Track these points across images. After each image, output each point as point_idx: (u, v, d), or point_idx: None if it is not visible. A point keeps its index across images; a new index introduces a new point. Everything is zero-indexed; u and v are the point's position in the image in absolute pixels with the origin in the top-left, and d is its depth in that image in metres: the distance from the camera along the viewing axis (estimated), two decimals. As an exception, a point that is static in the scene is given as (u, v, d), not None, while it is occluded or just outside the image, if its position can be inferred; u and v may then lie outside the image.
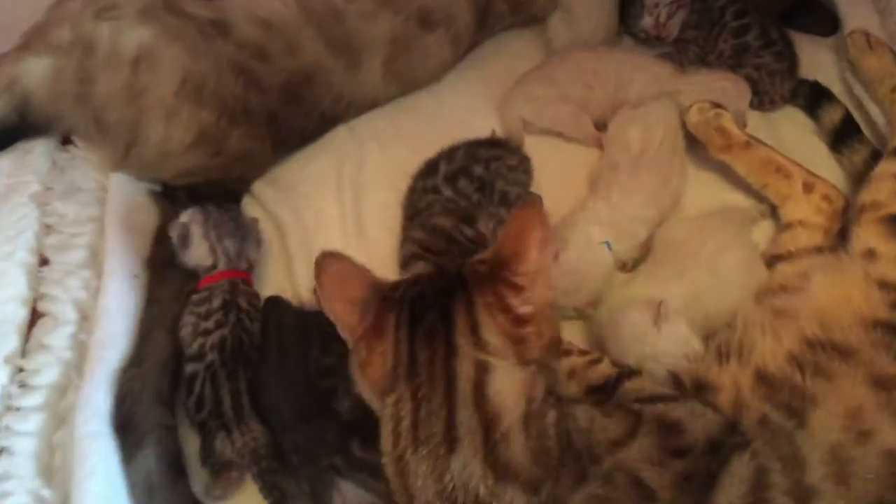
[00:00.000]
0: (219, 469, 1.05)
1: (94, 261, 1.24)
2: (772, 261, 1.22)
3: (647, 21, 1.51)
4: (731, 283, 1.16)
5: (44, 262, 1.25)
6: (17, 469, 1.04)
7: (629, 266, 1.25)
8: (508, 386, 0.78)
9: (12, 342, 1.15)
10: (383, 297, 0.84)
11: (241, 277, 1.19)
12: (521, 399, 0.78)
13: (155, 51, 1.24)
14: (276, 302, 1.20)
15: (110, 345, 1.12)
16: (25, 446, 1.06)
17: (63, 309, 1.18)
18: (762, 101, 1.46)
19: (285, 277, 1.29)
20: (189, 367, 1.10)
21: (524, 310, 0.81)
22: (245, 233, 1.22)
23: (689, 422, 0.88)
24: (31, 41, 1.28)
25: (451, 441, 0.76)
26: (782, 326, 1.02)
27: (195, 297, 1.16)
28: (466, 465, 0.75)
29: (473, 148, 1.32)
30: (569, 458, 0.79)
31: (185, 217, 1.20)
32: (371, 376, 0.82)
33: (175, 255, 1.20)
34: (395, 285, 0.87)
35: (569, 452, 0.79)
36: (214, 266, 1.18)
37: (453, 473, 0.75)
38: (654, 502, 0.80)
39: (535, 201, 1.30)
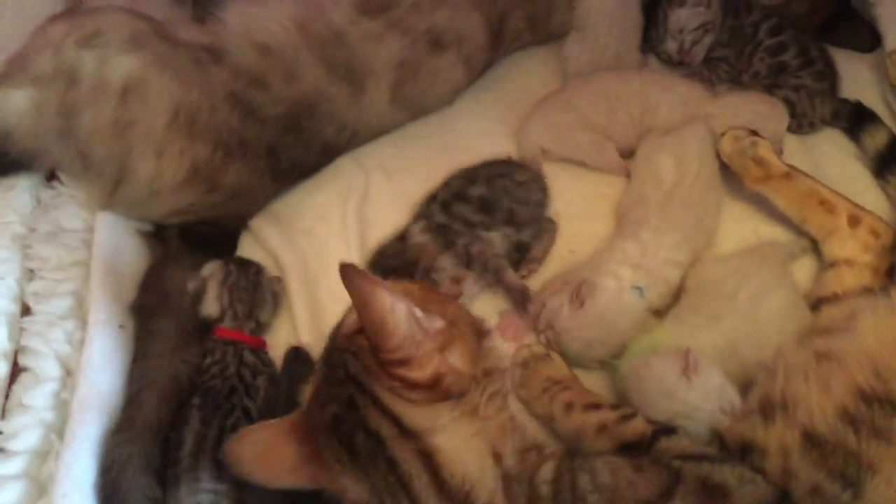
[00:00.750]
0: None
1: (80, 310, 1.17)
2: (816, 304, 1.13)
3: (671, 45, 1.43)
4: (772, 330, 1.06)
5: (26, 310, 1.18)
6: (-6, 547, 0.96)
7: (662, 313, 1.14)
8: (461, 453, 0.76)
9: (-9, 401, 1.07)
10: (308, 444, 0.81)
11: (247, 343, 1.15)
12: (485, 461, 0.76)
13: (144, 81, 1.17)
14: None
15: (94, 405, 1.04)
16: (2, 520, 0.98)
17: (45, 364, 1.10)
18: (801, 124, 1.37)
19: (286, 319, 1.22)
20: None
21: (426, 373, 0.77)
22: (261, 298, 1.19)
23: (737, 487, 0.81)
24: (11, 71, 1.19)
25: None
26: (831, 374, 0.93)
27: (209, 345, 1.14)
28: None
29: (472, 170, 1.27)
30: None
31: (206, 271, 1.18)
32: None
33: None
34: (305, 418, 0.83)
35: None
36: (220, 320, 1.15)
37: None
38: None
39: (550, 228, 1.24)
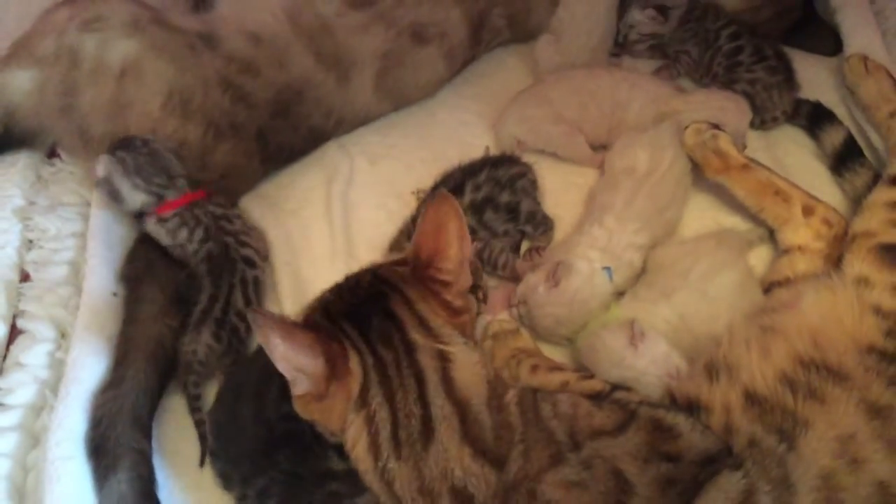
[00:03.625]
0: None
1: (75, 277, 1.23)
2: (770, 287, 1.19)
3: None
4: (722, 306, 1.12)
5: (25, 277, 1.24)
6: (-12, 490, 1.01)
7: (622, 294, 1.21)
8: (469, 369, 0.84)
9: (-12, 360, 1.13)
10: (320, 329, 0.85)
11: (198, 198, 1.22)
12: (482, 379, 0.84)
13: (141, 64, 1.23)
14: None
15: (87, 364, 1.10)
16: (-2, 467, 1.03)
17: (41, 327, 1.17)
18: (763, 119, 1.43)
19: (270, 293, 1.27)
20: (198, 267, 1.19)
21: (457, 302, 0.88)
22: (166, 159, 1.21)
23: (686, 430, 0.87)
24: (16, 52, 1.27)
25: (428, 433, 0.80)
26: (772, 343, 1.00)
27: (170, 224, 1.20)
28: (443, 452, 0.80)
29: (495, 170, 1.28)
30: (536, 437, 0.81)
31: (101, 170, 1.19)
32: (340, 403, 0.83)
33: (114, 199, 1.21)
34: (321, 307, 0.89)
35: (536, 430, 0.81)
36: (161, 198, 1.20)
37: (430, 464, 0.80)
38: (630, 497, 0.79)
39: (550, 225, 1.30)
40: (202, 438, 1.08)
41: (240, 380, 1.09)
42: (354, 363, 0.83)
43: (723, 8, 1.52)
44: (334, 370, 0.83)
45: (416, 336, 0.84)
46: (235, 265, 1.19)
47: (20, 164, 1.32)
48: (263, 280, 1.23)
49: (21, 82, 1.25)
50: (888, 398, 0.91)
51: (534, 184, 1.31)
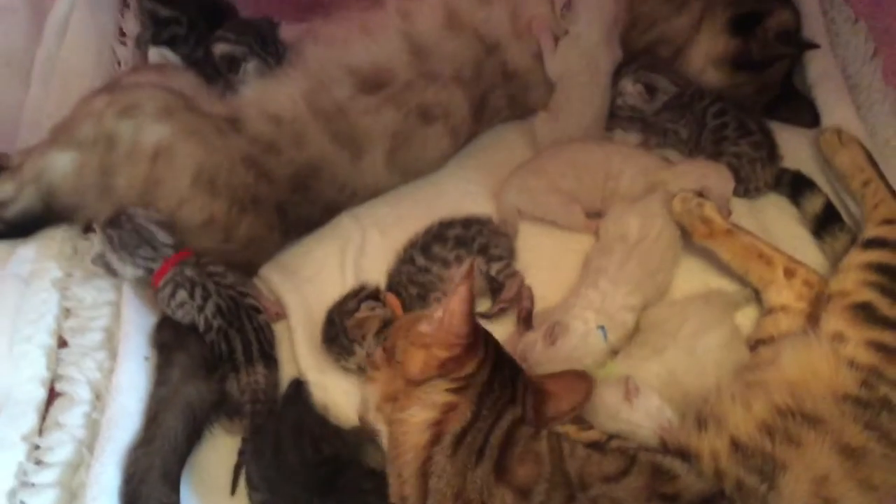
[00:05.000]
0: (231, 415, 1.25)
1: (109, 343, 1.32)
2: (755, 345, 1.28)
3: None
4: (710, 362, 1.21)
5: (62, 343, 1.33)
6: (30, 544, 1.09)
7: (617, 353, 1.29)
8: (525, 431, 0.98)
9: (30, 421, 1.22)
10: (481, 332, 1.03)
11: (182, 258, 1.32)
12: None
13: (173, 146, 1.34)
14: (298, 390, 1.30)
15: (121, 424, 1.20)
16: (38, 522, 1.11)
17: (78, 389, 1.26)
18: (747, 188, 1.53)
19: (288, 355, 1.36)
20: (207, 338, 1.29)
21: (541, 422, 1.02)
22: (147, 233, 1.31)
23: (683, 474, 0.97)
24: (58, 136, 1.37)
25: (479, 454, 0.93)
26: (753, 396, 1.09)
27: (164, 292, 1.30)
28: (484, 474, 0.92)
29: (450, 219, 1.43)
30: (559, 478, 0.92)
31: (96, 247, 1.33)
32: (438, 371, 0.98)
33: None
34: (484, 330, 1.06)
35: (559, 472, 0.93)
36: (150, 271, 1.31)
37: (475, 480, 0.92)
38: None
39: (518, 278, 1.38)
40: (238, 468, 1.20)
41: (275, 431, 1.17)
42: (476, 361, 0.99)
43: (707, 84, 1.63)
44: (465, 347, 0.98)
45: (516, 399, 0.99)
46: (248, 313, 1.30)
47: (59, 238, 1.41)
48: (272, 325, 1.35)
49: (62, 164, 1.35)
50: (862, 440, 0.99)
51: (493, 232, 1.41)
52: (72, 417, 1.22)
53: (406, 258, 1.39)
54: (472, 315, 1.00)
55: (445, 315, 0.99)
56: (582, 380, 1.06)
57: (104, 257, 1.31)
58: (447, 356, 0.98)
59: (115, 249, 1.29)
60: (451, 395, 0.96)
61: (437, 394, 0.97)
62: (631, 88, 1.57)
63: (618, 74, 1.60)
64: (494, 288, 1.39)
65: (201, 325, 1.29)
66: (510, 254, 1.42)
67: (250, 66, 1.44)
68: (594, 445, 1.08)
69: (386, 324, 1.27)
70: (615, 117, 1.63)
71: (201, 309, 1.29)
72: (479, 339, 1.01)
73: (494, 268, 1.37)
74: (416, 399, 0.97)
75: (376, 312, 1.28)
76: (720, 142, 1.54)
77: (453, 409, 0.96)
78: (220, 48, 1.46)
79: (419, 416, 0.96)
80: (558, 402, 1.03)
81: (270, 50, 1.45)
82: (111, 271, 1.32)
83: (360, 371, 1.27)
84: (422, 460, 0.94)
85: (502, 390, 0.99)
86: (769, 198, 1.56)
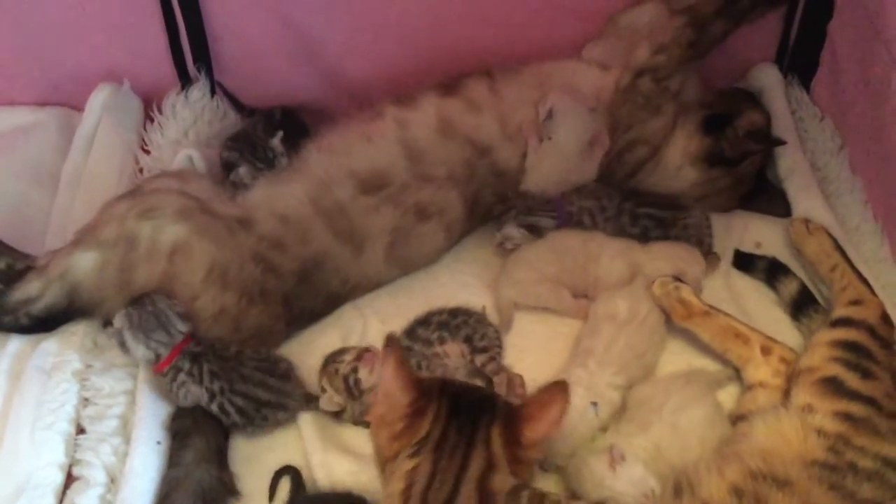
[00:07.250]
0: None
1: (125, 429, 1.39)
2: (736, 420, 1.34)
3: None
4: (693, 437, 1.27)
5: (80, 430, 1.40)
6: None
7: (606, 429, 1.36)
8: (501, 482, 1.04)
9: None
10: (429, 388, 1.10)
11: (184, 346, 1.39)
12: (507, 485, 1.04)
13: (189, 244, 1.44)
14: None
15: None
16: None
17: (94, 473, 1.32)
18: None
19: (295, 442, 1.42)
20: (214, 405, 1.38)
21: (521, 461, 1.08)
22: (165, 319, 1.38)
23: None
24: (82, 238, 1.47)
25: None
26: (726, 464, 1.15)
27: (167, 377, 1.39)
28: None
29: (436, 310, 1.52)
30: None
31: (116, 322, 1.39)
32: (400, 442, 1.07)
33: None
34: (438, 382, 1.14)
35: None
36: (159, 356, 1.38)
37: None
38: None
39: (503, 376, 1.43)
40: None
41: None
42: (428, 421, 1.07)
43: (685, 180, 1.74)
44: (411, 414, 1.06)
45: (480, 443, 1.05)
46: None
47: (80, 333, 1.50)
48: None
49: (85, 263, 1.43)
50: (827, 500, 1.04)
51: (479, 321, 1.50)
52: (87, 499, 1.28)
53: None
54: (410, 382, 1.09)
55: (384, 394, 1.09)
56: (556, 391, 1.10)
57: (121, 334, 1.38)
58: (402, 427, 1.07)
59: (132, 328, 1.37)
60: (413, 459, 1.04)
61: (403, 462, 1.05)
62: (517, 234, 1.64)
63: (499, 222, 1.67)
64: (483, 377, 1.44)
65: (205, 399, 1.36)
66: (497, 344, 1.49)
67: (241, 170, 1.67)
68: None
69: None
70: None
71: (213, 395, 1.36)
72: (427, 400, 1.09)
73: (479, 360, 1.43)
74: (390, 473, 1.06)
75: (345, 369, 1.38)
76: (663, 235, 1.65)
77: (416, 470, 1.03)
78: (223, 155, 1.67)
79: (395, 487, 1.04)
80: (536, 424, 1.08)
81: (259, 156, 1.67)
82: (124, 349, 1.39)
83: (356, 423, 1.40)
84: None
85: (459, 436, 1.05)
86: (747, 282, 1.64)
